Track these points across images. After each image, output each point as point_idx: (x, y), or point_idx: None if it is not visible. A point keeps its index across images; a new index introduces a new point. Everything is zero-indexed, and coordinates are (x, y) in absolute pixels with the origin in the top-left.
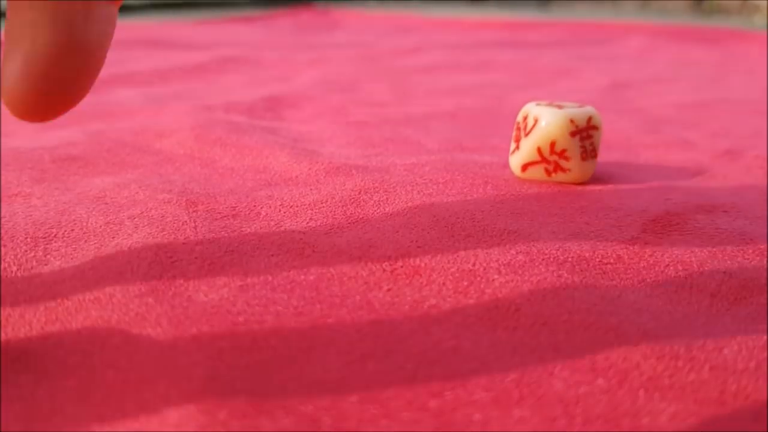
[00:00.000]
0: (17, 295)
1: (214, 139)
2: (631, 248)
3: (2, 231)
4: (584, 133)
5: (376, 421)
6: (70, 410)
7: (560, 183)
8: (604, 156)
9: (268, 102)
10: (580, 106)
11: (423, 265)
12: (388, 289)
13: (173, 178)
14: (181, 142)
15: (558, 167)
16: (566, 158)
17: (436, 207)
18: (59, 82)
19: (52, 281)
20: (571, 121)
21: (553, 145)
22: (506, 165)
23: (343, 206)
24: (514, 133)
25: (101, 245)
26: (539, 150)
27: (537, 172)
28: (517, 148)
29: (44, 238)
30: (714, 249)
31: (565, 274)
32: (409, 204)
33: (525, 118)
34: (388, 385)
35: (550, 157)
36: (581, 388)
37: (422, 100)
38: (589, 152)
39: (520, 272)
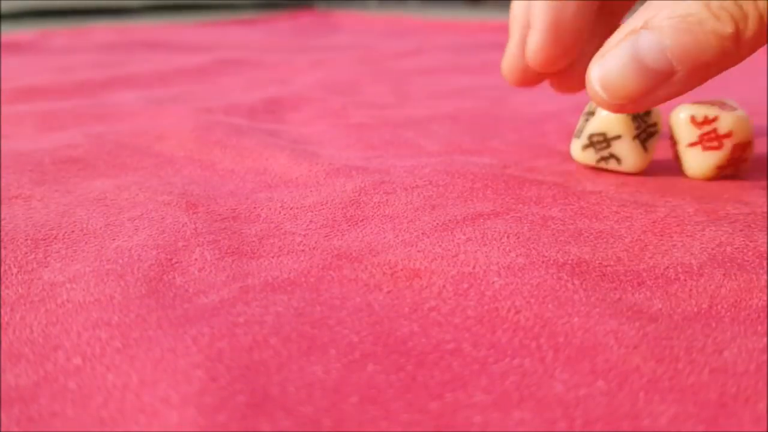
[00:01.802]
0: (18, 298)
1: (214, 141)
2: (630, 250)
3: (2, 233)
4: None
5: (376, 422)
6: (70, 413)
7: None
8: None
9: (269, 104)
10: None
11: (423, 268)
12: (388, 292)
13: (173, 180)
14: (181, 144)
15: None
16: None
17: (436, 209)
18: None
19: (53, 283)
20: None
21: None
22: (506, 166)
23: (343, 208)
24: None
25: (101, 247)
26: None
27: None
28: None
29: (44, 240)
30: (714, 251)
31: (565, 277)
32: (409, 206)
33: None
34: (388, 386)
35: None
36: (581, 390)
37: (422, 103)
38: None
39: (519, 275)
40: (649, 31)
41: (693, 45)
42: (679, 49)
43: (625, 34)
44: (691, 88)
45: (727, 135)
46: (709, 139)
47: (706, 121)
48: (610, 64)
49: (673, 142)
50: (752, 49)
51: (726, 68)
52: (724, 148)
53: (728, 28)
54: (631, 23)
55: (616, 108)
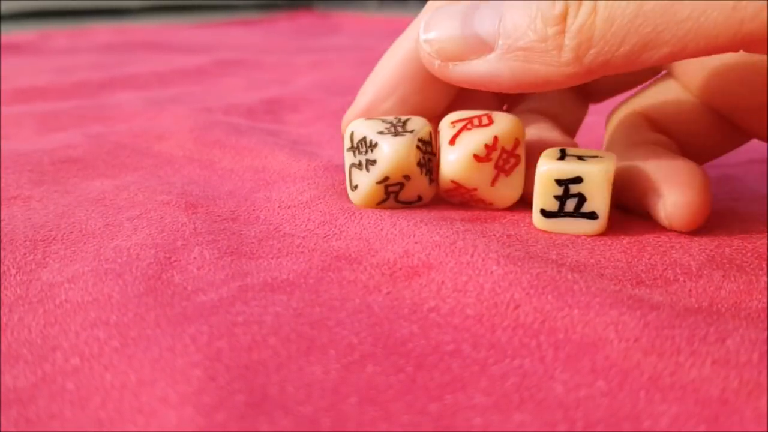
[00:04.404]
0: (16, 298)
1: (213, 141)
2: (629, 251)
3: (1, 233)
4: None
5: (375, 423)
6: (69, 414)
7: None
8: None
9: (268, 105)
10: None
11: (421, 263)
12: (388, 293)
13: (173, 180)
14: (180, 144)
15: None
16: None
17: (435, 207)
18: None
19: (51, 283)
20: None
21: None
22: None
23: (340, 200)
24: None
25: (100, 247)
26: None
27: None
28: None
29: (43, 240)
30: (712, 252)
31: (564, 270)
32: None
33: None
34: (387, 387)
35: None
36: (582, 391)
37: None
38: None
39: (519, 264)
40: None
41: (518, 20)
42: (506, 20)
43: None
44: (509, 85)
45: (516, 145)
46: (504, 162)
47: (490, 149)
48: (441, 12)
49: (462, 192)
50: (580, 62)
51: (556, 81)
52: (521, 159)
53: (555, 9)
54: None
55: (436, 70)
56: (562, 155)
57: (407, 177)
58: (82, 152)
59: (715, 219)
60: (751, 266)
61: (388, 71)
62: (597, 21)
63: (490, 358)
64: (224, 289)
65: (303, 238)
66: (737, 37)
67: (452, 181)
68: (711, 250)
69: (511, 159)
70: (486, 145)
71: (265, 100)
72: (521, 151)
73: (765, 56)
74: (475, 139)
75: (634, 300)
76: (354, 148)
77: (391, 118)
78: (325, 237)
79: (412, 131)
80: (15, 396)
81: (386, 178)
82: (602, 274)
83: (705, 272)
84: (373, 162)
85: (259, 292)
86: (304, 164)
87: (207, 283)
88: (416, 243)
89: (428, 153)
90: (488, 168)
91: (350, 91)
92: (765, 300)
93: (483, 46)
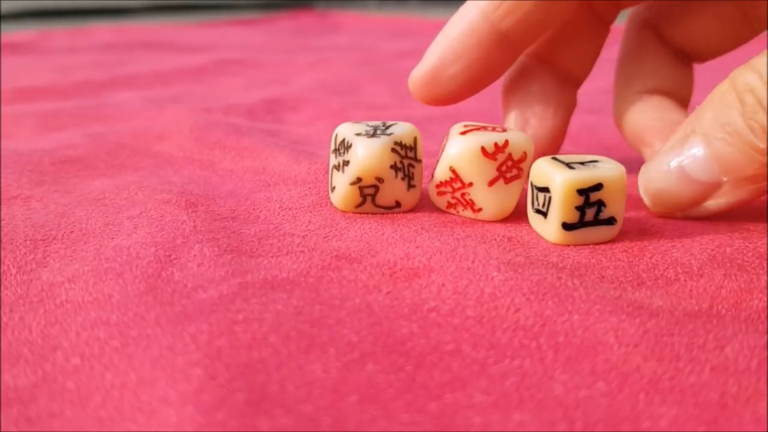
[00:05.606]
0: (17, 298)
1: (213, 141)
2: (630, 251)
3: (2, 233)
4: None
5: (375, 421)
6: (69, 413)
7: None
8: None
9: (268, 104)
10: None
11: (421, 266)
12: (388, 292)
13: (173, 179)
14: (180, 144)
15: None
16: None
17: (435, 215)
18: None
19: (52, 283)
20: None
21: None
22: None
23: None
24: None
25: (100, 246)
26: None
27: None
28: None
29: (43, 240)
30: (714, 251)
31: (565, 276)
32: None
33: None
34: (387, 386)
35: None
36: (581, 392)
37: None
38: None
39: (519, 271)
40: (694, 139)
41: (733, 157)
42: (721, 161)
43: (675, 140)
44: (745, 200)
45: (522, 158)
46: (507, 169)
47: (498, 149)
48: (654, 173)
49: (455, 188)
50: None
51: None
52: (523, 174)
53: (761, 143)
54: (681, 129)
55: (665, 215)
56: (568, 164)
57: (380, 179)
58: (82, 152)
59: (716, 218)
60: (752, 265)
61: (451, 41)
62: None
63: (489, 358)
64: (224, 286)
65: (303, 237)
66: None
67: (451, 169)
68: (712, 250)
69: (514, 169)
70: (496, 144)
71: (265, 100)
72: (526, 167)
73: None
74: (487, 136)
75: (634, 307)
76: (336, 150)
77: (378, 122)
78: (325, 237)
79: (390, 134)
80: (15, 395)
81: (359, 179)
82: (603, 276)
83: (706, 271)
84: (348, 163)
85: (260, 289)
86: (305, 167)
87: (207, 279)
88: (417, 247)
89: (408, 158)
90: (491, 167)
91: (350, 90)
92: (765, 299)
93: (711, 188)
